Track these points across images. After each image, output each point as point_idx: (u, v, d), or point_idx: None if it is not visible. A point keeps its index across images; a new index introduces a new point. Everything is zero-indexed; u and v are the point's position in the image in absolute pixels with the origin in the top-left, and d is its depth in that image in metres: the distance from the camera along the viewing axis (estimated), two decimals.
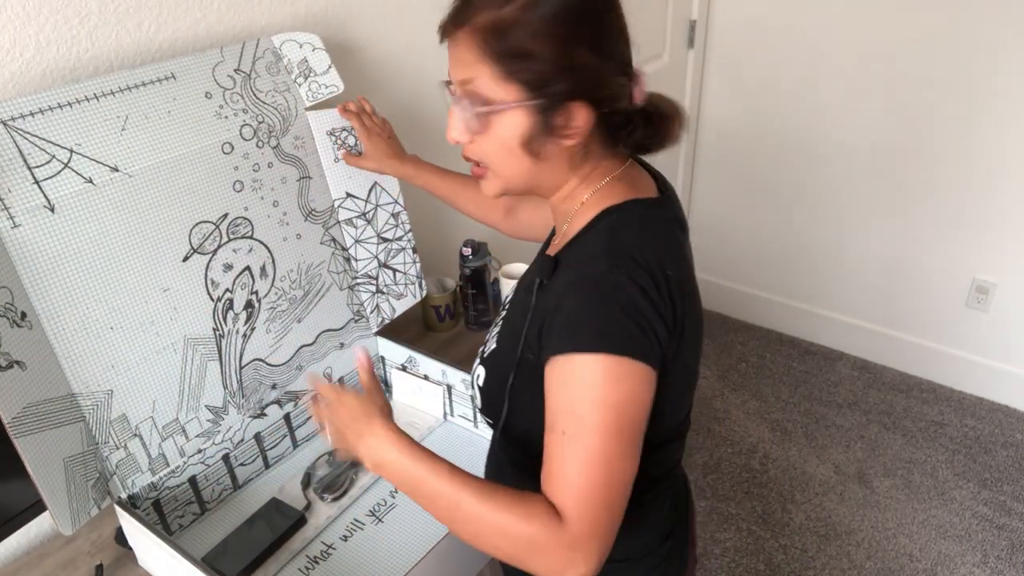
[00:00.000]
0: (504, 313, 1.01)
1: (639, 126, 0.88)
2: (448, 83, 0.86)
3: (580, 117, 0.81)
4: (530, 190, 0.91)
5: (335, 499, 1.25)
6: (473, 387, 1.01)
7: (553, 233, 1.01)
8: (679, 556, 1.04)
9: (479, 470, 1.31)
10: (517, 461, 0.98)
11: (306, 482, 1.30)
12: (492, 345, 0.97)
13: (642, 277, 0.78)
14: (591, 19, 0.80)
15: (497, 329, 0.99)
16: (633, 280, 0.78)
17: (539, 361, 0.83)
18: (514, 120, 0.82)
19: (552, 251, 0.93)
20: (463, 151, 0.89)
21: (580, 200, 0.90)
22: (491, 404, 0.96)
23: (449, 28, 0.82)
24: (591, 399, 0.75)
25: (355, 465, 1.32)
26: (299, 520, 1.21)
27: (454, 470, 0.81)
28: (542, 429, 0.81)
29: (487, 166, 0.88)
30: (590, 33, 0.80)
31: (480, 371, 0.98)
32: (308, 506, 1.24)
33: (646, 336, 0.77)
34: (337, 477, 1.29)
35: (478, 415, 1.39)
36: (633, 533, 0.95)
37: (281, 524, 1.19)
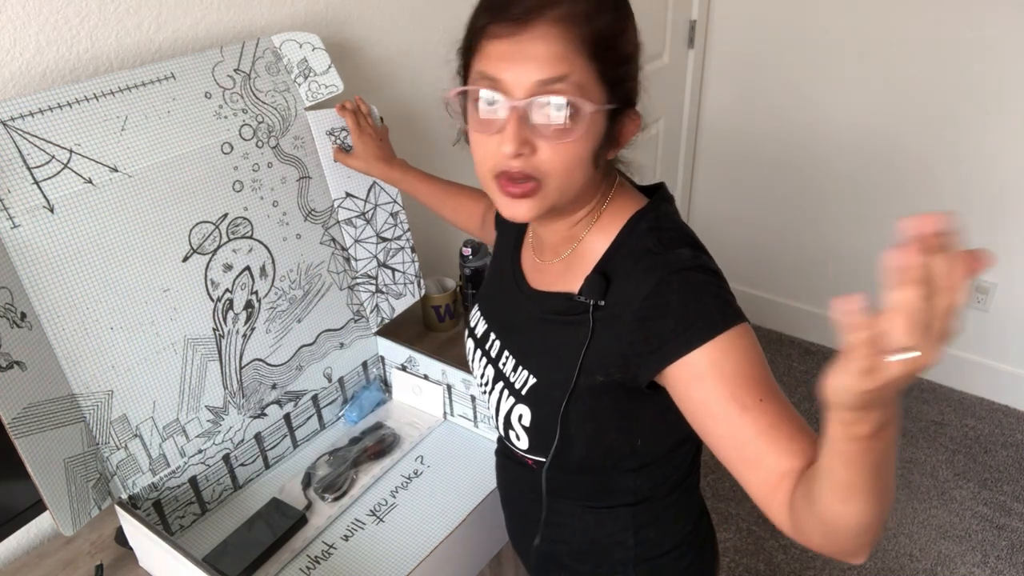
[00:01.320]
0: (520, 341, 0.94)
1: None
2: (470, 92, 0.78)
3: (631, 127, 0.81)
4: (565, 206, 0.83)
5: (336, 499, 1.26)
6: (508, 426, 0.92)
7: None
8: (712, 534, 1.07)
9: (478, 469, 1.31)
10: (561, 490, 0.95)
11: (306, 482, 1.30)
12: (529, 380, 0.89)
13: (711, 260, 0.81)
14: (636, 34, 0.80)
15: (516, 361, 0.92)
16: (710, 258, 0.81)
17: (621, 379, 0.81)
18: (597, 125, 0.76)
19: (558, 277, 0.90)
20: (519, 166, 0.76)
21: (596, 217, 0.86)
22: (543, 440, 0.89)
23: (530, 17, 0.72)
24: (759, 362, 0.75)
25: (356, 465, 1.32)
26: (300, 520, 1.21)
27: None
28: (602, 454, 0.85)
29: (546, 181, 0.78)
30: (639, 47, 0.80)
31: (523, 410, 0.89)
32: (309, 506, 1.25)
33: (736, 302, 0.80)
34: (337, 477, 1.29)
35: (477, 415, 1.39)
36: (681, 519, 0.99)
37: (282, 524, 1.19)
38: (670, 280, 0.77)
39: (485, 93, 0.76)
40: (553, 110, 0.74)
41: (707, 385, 0.74)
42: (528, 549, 1.05)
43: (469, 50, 0.79)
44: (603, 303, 0.82)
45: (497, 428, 0.97)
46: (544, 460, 0.89)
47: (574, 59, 0.73)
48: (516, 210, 0.80)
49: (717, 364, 0.74)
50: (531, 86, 0.73)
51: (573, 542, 0.98)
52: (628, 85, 0.79)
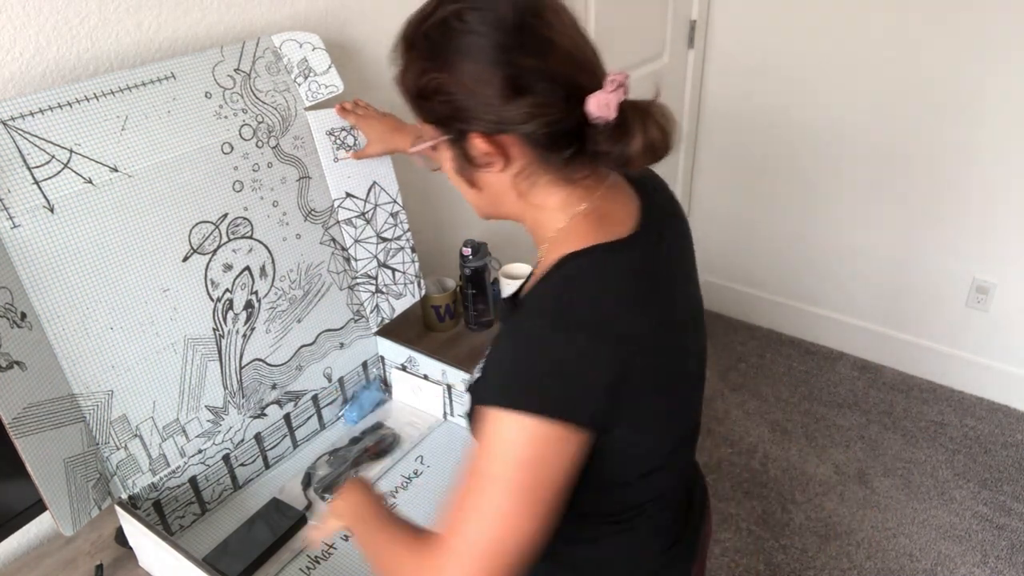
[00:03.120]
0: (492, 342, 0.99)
1: (599, 143, 0.79)
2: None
3: (478, 147, 0.80)
4: (499, 216, 0.91)
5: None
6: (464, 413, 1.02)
7: None
8: (679, 568, 1.03)
9: None
10: None
11: (307, 482, 1.30)
12: (477, 374, 0.93)
13: (582, 337, 0.75)
14: (461, 49, 0.76)
15: (484, 358, 0.95)
16: (573, 340, 0.75)
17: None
18: (444, 154, 0.86)
19: (531, 281, 0.90)
20: None
21: (550, 232, 0.85)
22: (474, 430, 0.92)
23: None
24: (502, 454, 0.74)
25: (356, 465, 1.32)
26: (300, 520, 1.21)
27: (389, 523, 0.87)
28: None
29: None
30: (475, 62, 0.76)
31: (467, 398, 0.93)
32: (309, 506, 1.25)
33: (577, 397, 0.75)
34: (338, 477, 1.29)
35: None
36: (619, 559, 0.96)
37: (282, 524, 1.19)
38: (514, 335, 0.79)
39: None
40: (411, 149, 0.91)
41: (478, 432, 0.78)
42: None
43: None
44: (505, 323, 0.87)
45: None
46: None
47: (414, 111, 0.85)
48: None
49: (480, 428, 0.77)
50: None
51: None
52: (445, 119, 0.81)
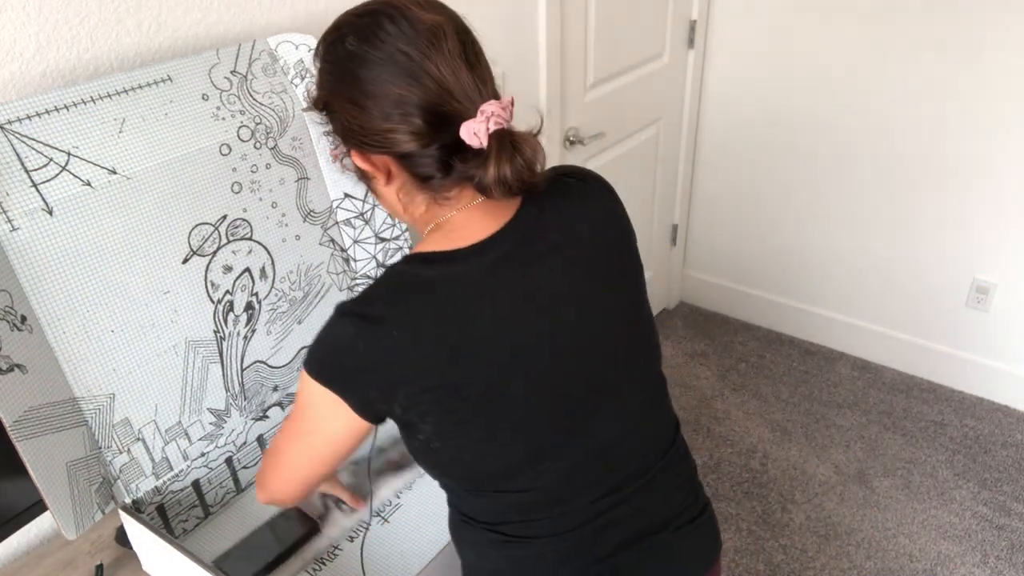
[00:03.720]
0: None
1: (464, 166, 0.82)
2: None
3: (362, 164, 0.88)
4: (404, 223, 1.01)
5: (353, 510, 1.23)
6: None
7: None
8: None
9: None
10: None
11: None
12: None
13: (360, 327, 0.83)
14: (341, 73, 0.84)
15: None
16: (349, 325, 0.84)
17: None
18: (349, 161, 0.91)
19: None
20: None
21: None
22: None
23: None
24: (296, 399, 0.91)
25: (378, 476, 1.28)
26: (313, 529, 1.18)
27: None
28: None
29: None
30: (349, 86, 0.83)
31: None
32: (324, 515, 1.22)
33: (345, 374, 0.85)
34: (357, 488, 1.25)
35: None
36: (501, 558, 0.96)
37: (294, 533, 1.17)
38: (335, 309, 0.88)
39: None
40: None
41: None
42: None
43: None
44: None
45: None
46: None
47: None
48: None
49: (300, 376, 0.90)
50: None
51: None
52: (335, 133, 0.90)
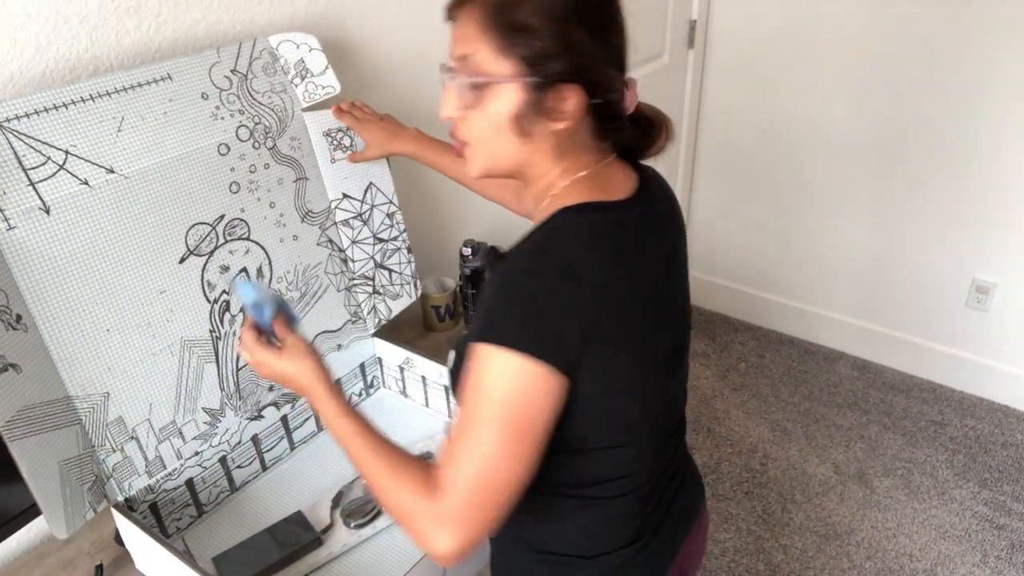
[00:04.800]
0: None
1: (627, 126, 0.90)
2: (446, 65, 0.88)
3: (571, 100, 0.82)
4: (513, 172, 0.91)
5: (358, 526, 1.20)
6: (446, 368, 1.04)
7: None
8: (647, 566, 1.01)
9: None
10: None
11: (336, 501, 1.24)
12: (465, 331, 1.00)
13: (559, 279, 0.79)
14: (593, 5, 0.82)
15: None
16: (546, 281, 0.79)
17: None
18: (507, 96, 0.83)
19: None
20: (452, 129, 0.90)
21: (552, 192, 0.90)
22: (455, 386, 0.94)
23: (454, 5, 0.85)
24: (482, 389, 0.78)
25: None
26: (314, 542, 1.17)
27: (367, 431, 0.87)
28: None
29: (469, 144, 0.89)
30: (591, 18, 0.81)
31: (451, 354, 0.95)
32: (330, 527, 1.20)
33: (550, 336, 0.78)
34: (366, 503, 1.23)
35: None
36: (577, 530, 0.95)
37: (295, 543, 1.16)
38: (500, 277, 0.83)
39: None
40: (457, 84, 0.85)
41: (466, 373, 0.81)
42: None
43: None
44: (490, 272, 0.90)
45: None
46: None
47: (478, 38, 0.82)
48: (467, 165, 0.92)
49: (469, 366, 0.80)
50: (453, 63, 0.86)
51: None
52: (552, 61, 0.81)
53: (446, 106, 0.87)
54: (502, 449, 0.77)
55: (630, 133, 0.91)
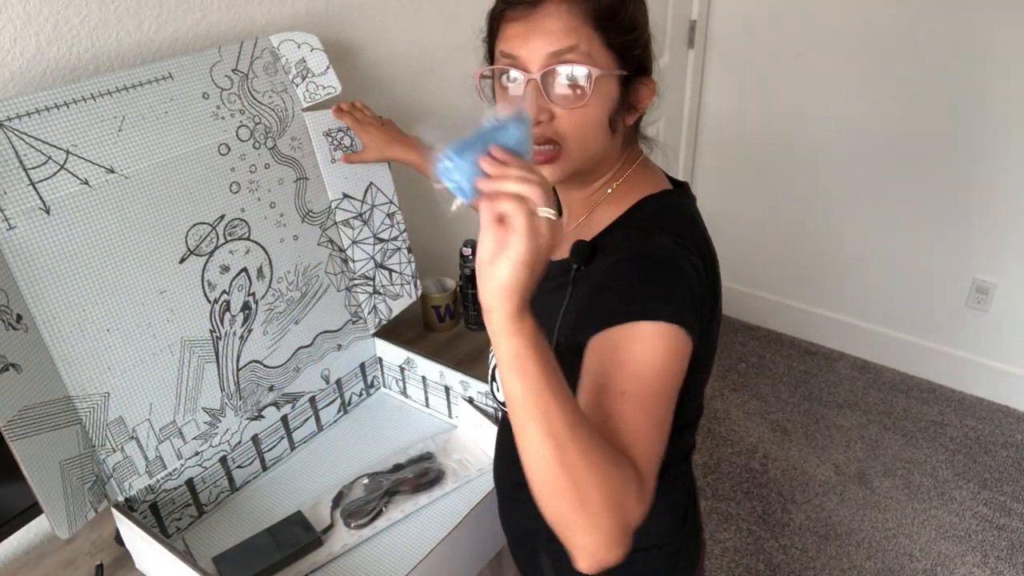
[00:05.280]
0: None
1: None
2: (495, 71, 0.86)
3: (646, 93, 0.87)
4: (589, 171, 0.90)
5: (359, 526, 1.20)
6: (493, 379, 1.03)
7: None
8: (695, 540, 1.05)
9: (479, 471, 1.31)
10: None
11: (337, 501, 1.24)
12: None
13: (695, 258, 0.81)
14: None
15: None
16: (690, 259, 0.81)
17: (573, 341, 0.81)
18: (609, 90, 0.83)
19: (566, 244, 0.90)
20: (539, 133, 0.83)
21: (611, 187, 0.92)
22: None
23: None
24: (654, 364, 0.74)
25: (390, 496, 1.24)
26: (314, 542, 1.17)
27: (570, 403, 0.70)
28: None
29: (566, 145, 0.84)
30: (647, 15, 0.87)
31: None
32: (330, 527, 1.20)
33: (697, 313, 0.79)
34: (366, 504, 1.22)
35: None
36: (657, 519, 0.93)
37: (295, 543, 1.16)
38: (640, 257, 0.81)
39: (506, 70, 0.84)
40: (565, 78, 0.81)
41: (599, 357, 0.76)
42: (510, 523, 1.07)
43: (491, 35, 0.88)
44: (583, 268, 0.87)
45: (491, 387, 1.04)
46: None
47: (581, 30, 0.80)
48: (548, 172, 0.86)
49: (621, 345, 0.75)
50: (544, 59, 0.81)
51: None
52: (637, 53, 0.85)
53: (541, 106, 0.82)
54: (667, 419, 0.75)
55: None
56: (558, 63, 0.81)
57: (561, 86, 0.81)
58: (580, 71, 0.80)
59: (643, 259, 0.81)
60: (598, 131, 0.85)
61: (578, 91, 0.81)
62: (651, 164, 0.96)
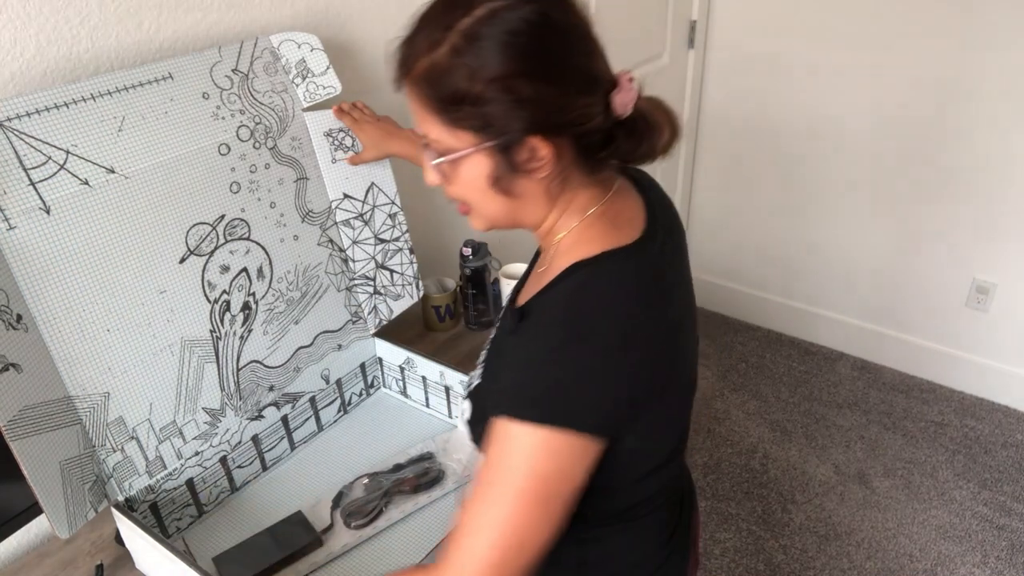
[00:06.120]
0: (489, 347, 0.97)
1: (621, 140, 0.81)
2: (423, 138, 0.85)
3: (543, 149, 0.77)
4: (515, 226, 0.87)
5: (358, 526, 1.20)
6: (461, 420, 0.96)
7: (537, 254, 0.98)
8: (680, 559, 1.04)
9: None
10: None
11: (337, 501, 1.24)
12: (477, 380, 0.94)
13: (601, 346, 0.76)
14: (534, 48, 0.74)
15: (482, 363, 0.96)
16: (589, 351, 0.75)
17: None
18: (476, 164, 0.79)
19: (532, 284, 0.90)
20: (444, 192, 0.86)
21: (560, 234, 0.85)
22: (478, 438, 0.89)
23: (396, 81, 0.80)
24: (517, 466, 0.74)
25: (389, 496, 1.24)
26: (314, 542, 1.17)
27: None
28: None
29: (468, 207, 0.86)
30: (536, 63, 0.74)
31: (466, 405, 0.93)
32: (330, 527, 1.20)
33: (595, 407, 0.76)
34: (366, 504, 1.22)
35: None
36: (625, 554, 0.96)
37: (295, 543, 1.15)
38: (530, 346, 0.79)
39: None
40: (429, 158, 0.81)
41: (489, 442, 0.77)
42: None
43: None
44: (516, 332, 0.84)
45: None
46: None
47: (427, 118, 0.78)
48: (471, 222, 0.88)
49: (493, 441, 0.76)
50: (420, 137, 0.82)
51: None
52: (506, 121, 0.75)
53: (427, 176, 0.84)
54: (531, 521, 0.74)
55: (626, 144, 0.81)
56: (425, 147, 0.82)
57: (430, 168, 0.82)
58: (431, 156, 0.80)
59: (532, 350, 0.78)
60: (482, 198, 0.82)
61: (442, 172, 0.82)
62: (619, 206, 0.86)
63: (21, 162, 0.97)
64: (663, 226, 0.89)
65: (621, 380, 0.77)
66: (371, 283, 1.44)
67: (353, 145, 1.37)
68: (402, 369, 1.46)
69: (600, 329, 0.76)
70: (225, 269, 1.20)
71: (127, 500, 1.12)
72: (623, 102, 0.78)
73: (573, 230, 0.84)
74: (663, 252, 0.86)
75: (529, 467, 0.74)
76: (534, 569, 0.76)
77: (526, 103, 0.74)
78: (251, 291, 1.24)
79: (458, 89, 0.74)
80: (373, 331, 1.46)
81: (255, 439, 1.29)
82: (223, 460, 1.25)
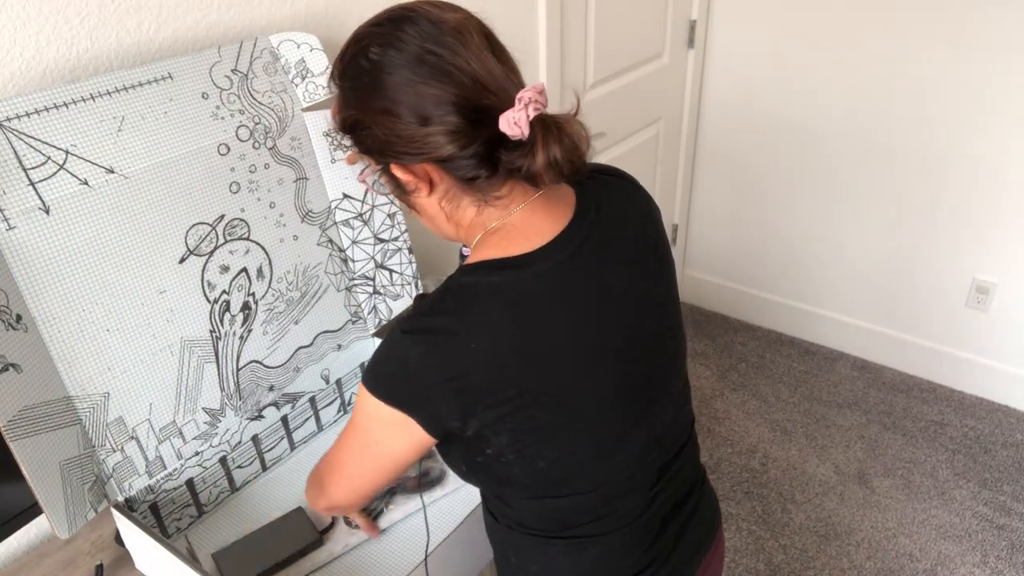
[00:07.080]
0: None
1: (509, 159, 0.81)
2: None
3: (404, 176, 0.85)
4: (442, 236, 0.96)
5: (358, 527, 1.19)
6: None
7: None
8: None
9: None
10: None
11: None
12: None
13: (430, 344, 0.81)
14: (368, 92, 0.82)
15: None
16: (416, 344, 0.82)
17: None
18: (391, 182, 0.89)
19: None
20: None
21: (469, 246, 0.92)
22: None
23: None
24: (355, 415, 0.92)
25: (390, 494, 1.24)
26: (315, 542, 1.17)
27: None
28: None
29: None
30: (367, 104, 0.82)
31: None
32: (331, 526, 1.20)
33: (414, 394, 0.83)
34: (370, 511, 1.22)
35: None
36: (569, 570, 0.96)
37: (296, 544, 1.15)
38: (394, 325, 0.87)
39: None
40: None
41: None
42: None
43: None
44: None
45: None
46: None
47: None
48: None
49: (359, 392, 0.89)
50: None
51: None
52: (368, 151, 0.87)
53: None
54: (351, 458, 0.95)
55: (522, 162, 0.80)
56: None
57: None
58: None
59: (394, 327, 0.85)
60: (408, 211, 0.95)
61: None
62: (527, 221, 0.86)
63: (20, 162, 0.97)
64: (598, 235, 0.88)
65: (447, 376, 0.81)
66: (371, 283, 1.44)
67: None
68: None
69: (440, 327, 0.82)
70: (225, 269, 1.20)
71: (127, 500, 1.12)
72: (508, 122, 0.78)
73: (476, 243, 0.89)
74: (566, 266, 0.85)
75: (360, 420, 0.91)
76: (366, 498, 1.01)
77: (373, 138, 0.83)
78: (251, 291, 1.24)
79: (339, 121, 0.88)
80: (373, 331, 1.46)
81: (255, 439, 1.29)
82: (223, 460, 1.25)
